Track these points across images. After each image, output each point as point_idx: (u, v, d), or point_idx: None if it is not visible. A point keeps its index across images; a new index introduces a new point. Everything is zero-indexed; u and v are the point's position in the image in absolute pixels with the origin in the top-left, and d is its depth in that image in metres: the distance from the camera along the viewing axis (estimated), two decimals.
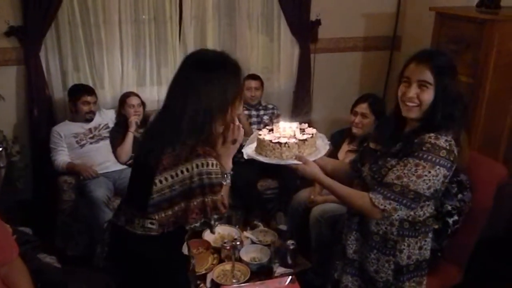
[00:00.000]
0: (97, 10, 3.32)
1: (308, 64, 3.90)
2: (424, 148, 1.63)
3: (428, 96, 1.66)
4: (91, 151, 3.19)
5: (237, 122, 1.63)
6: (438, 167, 1.63)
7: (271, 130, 2.04)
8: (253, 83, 3.52)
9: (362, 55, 4.17)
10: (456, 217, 1.99)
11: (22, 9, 3.13)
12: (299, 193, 2.96)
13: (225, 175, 1.60)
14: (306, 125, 2.06)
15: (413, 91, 1.68)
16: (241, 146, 3.32)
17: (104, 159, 3.20)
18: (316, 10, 3.79)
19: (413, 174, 1.63)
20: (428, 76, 1.65)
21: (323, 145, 2.00)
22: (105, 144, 3.28)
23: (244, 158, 3.35)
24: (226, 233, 2.75)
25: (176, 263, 1.68)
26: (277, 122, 2.10)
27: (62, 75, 3.39)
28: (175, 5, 3.47)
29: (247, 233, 2.78)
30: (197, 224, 1.52)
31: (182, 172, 1.47)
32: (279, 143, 1.87)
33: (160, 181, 1.49)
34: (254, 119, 3.56)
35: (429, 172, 1.63)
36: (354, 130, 2.80)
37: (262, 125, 3.55)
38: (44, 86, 3.29)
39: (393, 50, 4.14)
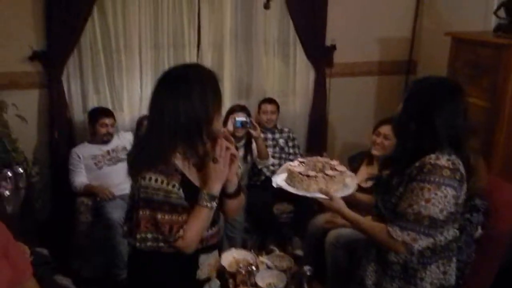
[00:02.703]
0: (118, 35, 3.39)
1: (324, 88, 3.91)
2: (425, 170, 1.60)
3: (400, 107, 1.74)
4: (108, 172, 3.20)
5: (224, 143, 1.55)
6: (443, 187, 1.58)
7: (302, 162, 2.06)
8: (269, 107, 3.54)
9: (377, 80, 4.15)
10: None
11: (46, 34, 3.20)
12: (316, 218, 2.89)
13: (206, 198, 1.52)
14: (337, 162, 2.07)
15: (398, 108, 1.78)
16: (260, 171, 3.38)
17: (121, 181, 3.14)
18: (331, 35, 3.80)
19: (421, 199, 1.59)
20: (405, 95, 1.76)
21: (352, 183, 2.00)
22: (123, 166, 3.20)
23: (260, 181, 3.42)
24: (242, 258, 2.69)
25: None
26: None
27: (83, 98, 3.44)
28: (194, 31, 3.53)
29: (263, 258, 2.72)
30: (150, 243, 1.47)
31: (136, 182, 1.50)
32: (308, 175, 1.89)
33: (131, 187, 1.55)
34: (269, 142, 3.54)
35: (436, 194, 1.58)
36: (374, 151, 2.77)
37: (277, 148, 3.57)
38: (65, 109, 3.34)
39: (409, 75, 4.09)
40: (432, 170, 1.59)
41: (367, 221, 1.79)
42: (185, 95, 1.46)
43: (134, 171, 1.51)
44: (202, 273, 1.63)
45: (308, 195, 1.89)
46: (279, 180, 2.03)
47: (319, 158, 2.11)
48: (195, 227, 1.51)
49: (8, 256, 1.48)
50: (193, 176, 1.58)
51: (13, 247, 1.53)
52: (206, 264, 1.64)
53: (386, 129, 2.74)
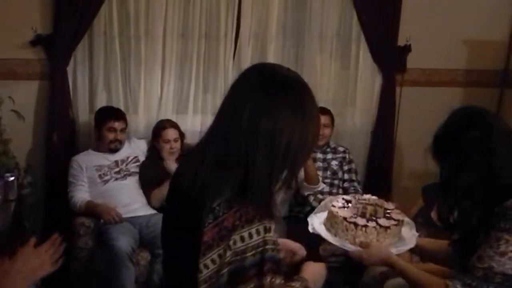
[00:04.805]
0: (139, 20, 3.46)
1: (393, 99, 3.91)
2: (507, 217, 1.61)
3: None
4: (115, 189, 3.24)
5: None
6: None
7: (348, 201, 2.06)
8: (322, 119, 3.45)
9: (463, 92, 4.11)
10: None
11: (53, 15, 3.28)
12: (374, 266, 2.76)
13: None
14: (393, 205, 2.07)
15: None
16: (305, 200, 3.36)
17: (130, 200, 3.23)
18: (406, 33, 3.80)
19: (496, 252, 1.61)
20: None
21: (410, 236, 1.98)
22: (133, 182, 3.33)
23: (304, 213, 3.39)
24: None
25: None
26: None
27: (90, 95, 3.51)
28: (232, 20, 3.59)
29: None
30: None
31: (234, 242, 1.21)
32: (355, 224, 1.89)
33: (206, 266, 1.22)
34: (319, 164, 3.52)
35: None
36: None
37: (329, 172, 3.55)
38: (68, 106, 3.40)
39: (504, 88, 4.08)
40: None
41: (421, 272, 1.80)
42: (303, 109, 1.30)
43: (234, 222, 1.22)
44: None
45: (346, 247, 1.90)
46: (316, 222, 2.03)
47: (371, 198, 2.10)
48: None
49: None
50: None
51: None
52: None
53: None
